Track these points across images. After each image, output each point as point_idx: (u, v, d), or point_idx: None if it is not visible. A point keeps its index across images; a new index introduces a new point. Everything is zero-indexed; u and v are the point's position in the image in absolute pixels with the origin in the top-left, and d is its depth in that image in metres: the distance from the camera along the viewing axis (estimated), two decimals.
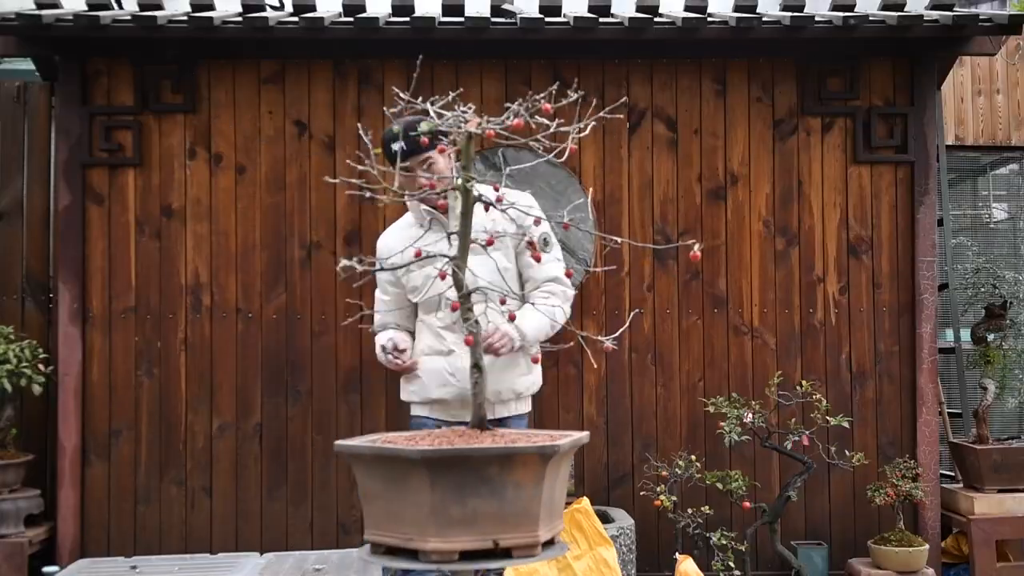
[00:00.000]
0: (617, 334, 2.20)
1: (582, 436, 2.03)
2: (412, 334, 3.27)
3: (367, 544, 1.98)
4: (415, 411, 3.25)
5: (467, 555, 1.85)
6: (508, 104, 2.04)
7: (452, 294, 2.88)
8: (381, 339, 3.20)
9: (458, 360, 3.07)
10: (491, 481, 1.84)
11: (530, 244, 2.88)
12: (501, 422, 3.12)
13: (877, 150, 4.82)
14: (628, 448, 4.72)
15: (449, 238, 2.78)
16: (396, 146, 2.88)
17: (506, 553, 1.88)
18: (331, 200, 4.69)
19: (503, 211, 2.22)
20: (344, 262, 2.05)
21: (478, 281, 2.88)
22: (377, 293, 3.33)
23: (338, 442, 1.98)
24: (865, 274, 4.81)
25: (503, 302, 2.66)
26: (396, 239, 3.19)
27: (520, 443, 1.93)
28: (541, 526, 1.92)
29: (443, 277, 2.20)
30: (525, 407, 3.25)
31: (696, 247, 2.11)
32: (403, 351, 3.12)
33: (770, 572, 4.60)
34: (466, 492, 1.83)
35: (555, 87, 2.18)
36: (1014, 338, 4.95)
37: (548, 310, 3.07)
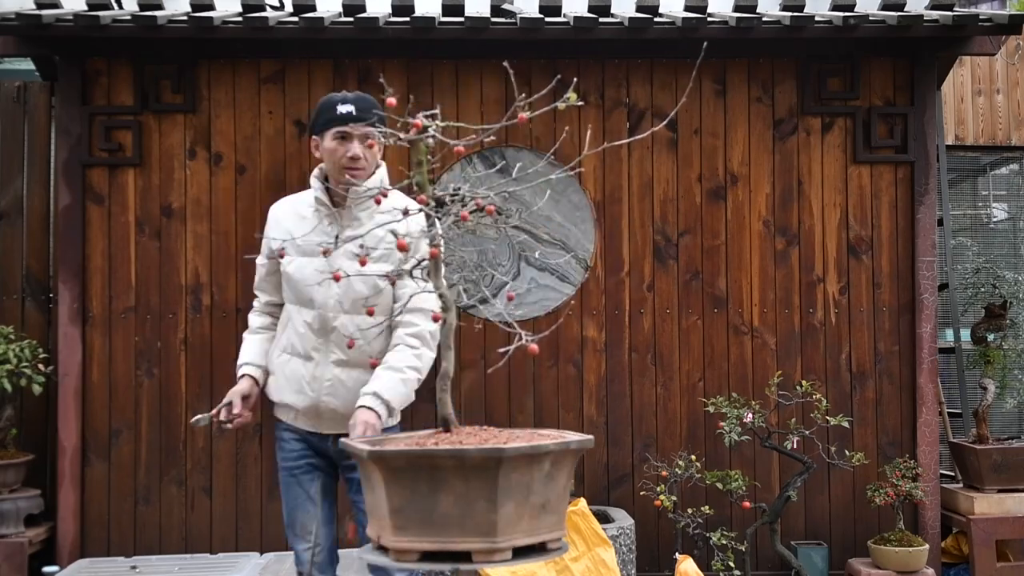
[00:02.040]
0: (537, 337, 2.04)
1: (589, 438, 2.03)
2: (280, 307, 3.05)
3: (389, 551, 1.94)
4: (277, 414, 3.07)
5: (518, 552, 1.87)
6: (514, 102, 2.00)
7: (320, 298, 2.83)
8: (240, 368, 3.00)
9: (315, 368, 2.89)
10: (545, 477, 1.87)
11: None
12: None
13: (877, 150, 4.82)
14: (628, 448, 4.72)
15: (337, 239, 2.74)
16: (345, 108, 2.78)
17: (543, 547, 1.92)
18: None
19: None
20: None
21: (351, 291, 2.81)
22: (259, 259, 3.06)
23: (372, 449, 1.95)
24: (865, 274, 4.81)
25: (371, 313, 2.54)
26: (288, 212, 2.98)
27: (564, 439, 1.95)
28: (564, 520, 1.99)
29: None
30: (394, 420, 2.94)
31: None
32: (237, 415, 2.88)
33: (770, 572, 4.60)
34: (532, 488, 1.85)
35: (555, 82, 2.14)
36: (1014, 338, 4.95)
37: (413, 364, 2.80)
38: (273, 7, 4.77)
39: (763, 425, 4.32)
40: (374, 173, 2.90)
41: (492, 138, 1.99)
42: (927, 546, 4.43)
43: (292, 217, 2.96)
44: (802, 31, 4.44)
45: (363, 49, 4.65)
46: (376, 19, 4.35)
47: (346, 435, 2.74)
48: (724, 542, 4.25)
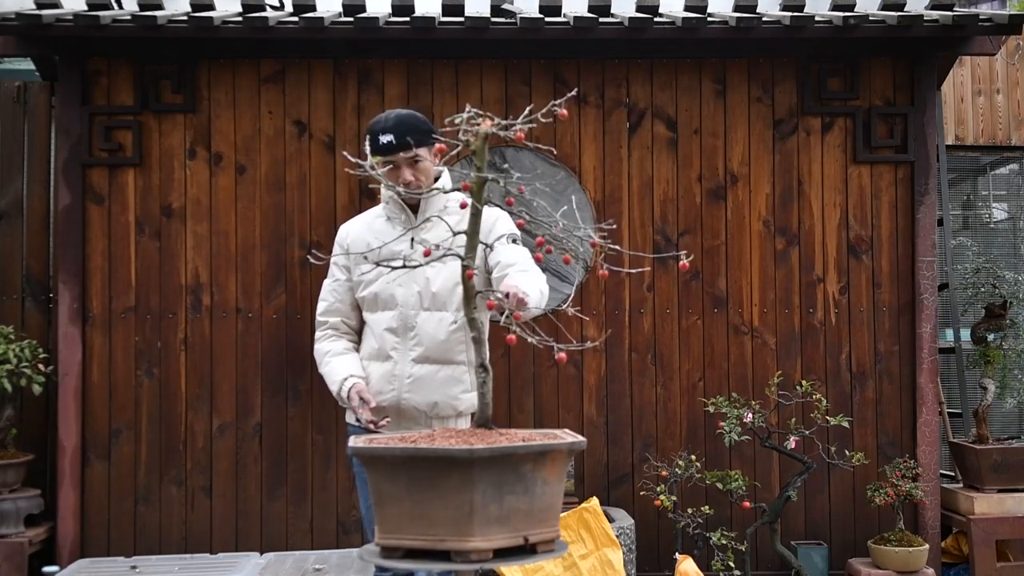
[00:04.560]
0: (568, 347, 2.12)
1: (583, 440, 2.03)
2: (358, 333, 3.11)
3: (377, 547, 1.96)
4: (349, 418, 3.08)
5: (500, 552, 1.87)
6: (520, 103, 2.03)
7: (401, 296, 2.93)
8: (343, 382, 2.97)
9: (396, 367, 2.96)
10: (525, 478, 1.87)
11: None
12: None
13: (877, 150, 4.82)
14: (628, 448, 4.72)
15: (412, 241, 2.89)
16: (385, 139, 2.88)
17: (532, 549, 1.91)
18: (331, 200, 4.69)
19: (517, 212, 2.21)
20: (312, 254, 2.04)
21: (431, 287, 2.93)
22: (327, 282, 3.14)
23: (355, 445, 1.97)
24: (865, 274, 4.81)
25: (469, 276, 2.37)
26: (362, 228, 3.09)
27: (547, 440, 1.94)
28: (559, 521, 1.98)
29: (470, 277, 2.15)
30: (464, 425, 3.00)
31: (685, 258, 2.13)
32: (367, 403, 2.89)
33: (770, 572, 4.60)
34: (504, 490, 1.85)
35: (573, 94, 2.17)
36: (1014, 338, 4.95)
37: (537, 279, 2.75)
38: (273, 7, 4.77)
39: (763, 425, 4.32)
40: (437, 178, 3.01)
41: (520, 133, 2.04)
42: (927, 546, 4.43)
43: (367, 232, 3.05)
44: (802, 31, 4.44)
45: (363, 49, 4.65)
46: (376, 19, 4.35)
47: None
48: (724, 542, 4.25)
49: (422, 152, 2.91)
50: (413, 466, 1.88)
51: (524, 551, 1.91)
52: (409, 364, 2.95)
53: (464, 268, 2.12)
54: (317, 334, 3.15)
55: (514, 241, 2.93)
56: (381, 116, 2.97)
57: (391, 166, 2.91)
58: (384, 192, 3.02)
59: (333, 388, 3.01)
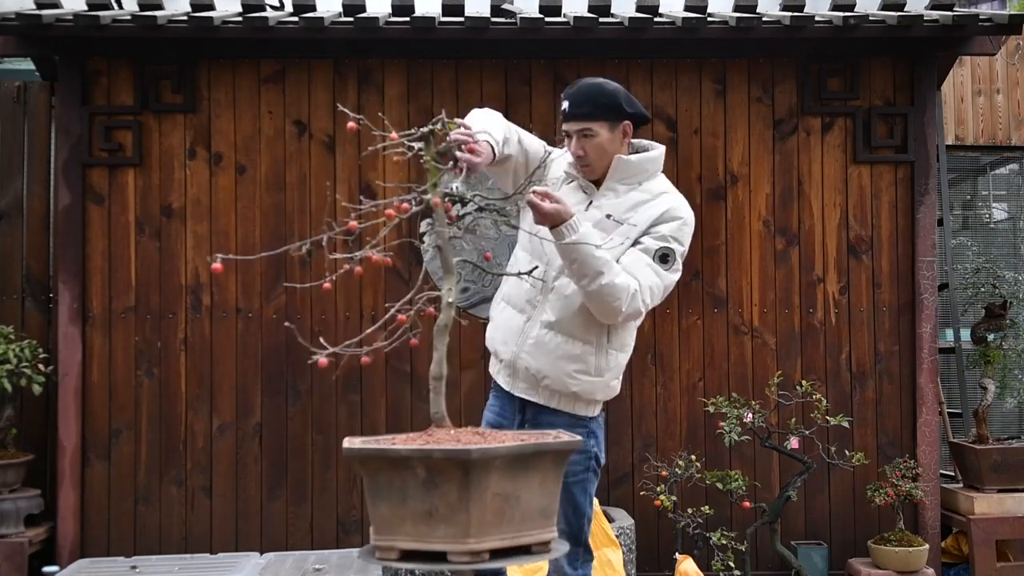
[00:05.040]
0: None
1: (578, 439, 2.02)
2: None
3: (374, 548, 1.96)
4: (490, 367, 2.95)
5: (497, 553, 1.87)
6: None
7: (550, 251, 2.66)
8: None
9: (526, 323, 2.76)
10: (522, 478, 1.87)
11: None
12: (540, 411, 2.77)
13: (877, 150, 4.82)
14: (628, 448, 4.72)
15: (590, 205, 2.74)
16: (564, 105, 2.74)
17: (528, 550, 1.91)
18: (331, 200, 4.69)
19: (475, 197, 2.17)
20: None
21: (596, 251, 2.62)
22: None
23: (352, 446, 1.97)
24: (865, 274, 4.81)
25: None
26: (559, 166, 2.87)
27: (542, 440, 1.94)
28: (553, 523, 1.97)
29: (436, 205, 2.09)
30: (585, 410, 2.82)
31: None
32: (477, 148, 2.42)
33: (770, 572, 4.60)
34: (501, 490, 1.84)
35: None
36: (1014, 338, 4.95)
37: (614, 271, 2.60)
38: (273, 7, 4.77)
39: (763, 425, 4.32)
40: (649, 151, 2.83)
41: None
42: (927, 546, 4.43)
43: (561, 168, 2.86)
44: (802, 31, 4.44)
45: (363, 49, 4.65)
46: (376, 19, 4.35)
47: (539, 407, 2.77)
48: (724, 542, 4.25)
49: (595, 127, 2.72)
50: (408, 467, 1.88)
51: (521, 552, 1.90)
52: (537, 325, 2.75)
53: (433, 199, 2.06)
54: None
55: (663, 257, 2.69)
56: (575, 81, 2.83)
57: (566, 135, 2.77)
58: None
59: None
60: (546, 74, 4.75)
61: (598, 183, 2.81)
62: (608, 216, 2.72)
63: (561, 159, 2.89)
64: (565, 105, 2.75)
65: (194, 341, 4.64)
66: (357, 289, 4.63)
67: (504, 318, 2.85)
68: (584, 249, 2.54)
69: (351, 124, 1.99)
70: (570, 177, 2.84)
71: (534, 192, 2.53)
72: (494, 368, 2.91)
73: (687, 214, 2.77)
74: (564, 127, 2.77)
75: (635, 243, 2.71)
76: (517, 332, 2.78)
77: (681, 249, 2.73)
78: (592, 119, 2.72)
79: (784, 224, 4.80)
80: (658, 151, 2.86)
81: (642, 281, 2.64)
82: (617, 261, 2.65)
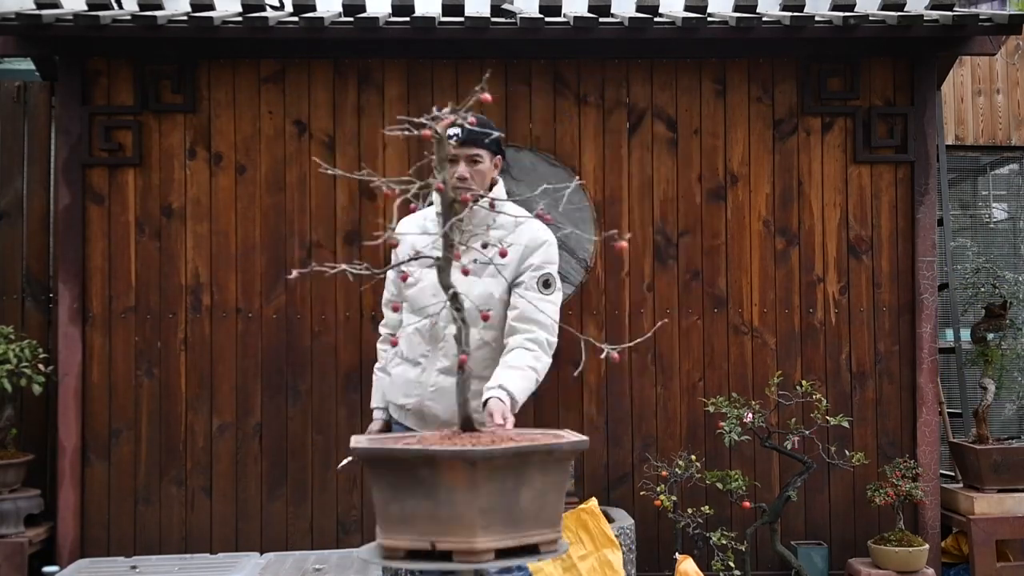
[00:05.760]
0: (632, 343, 2.20)
1: (583, 440, 2.03)
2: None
3: (379, 546, 1.96)
4: (392, 412, 3.17)
5: (502, 553, 1.88)
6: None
7: (433, 307, 2.87)
8: (373, 413, 3.21)
9: (422, 373, 2.99)
10: (527, 478, 1.88)
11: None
12: None
13: (877, 150, 4.82)
14: (628, 448, 4.72)
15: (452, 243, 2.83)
16: (452, 131, 2.79)
17: (534, 549, 1.92)
18: (331, 200, 4.69)
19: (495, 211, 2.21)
20: (341, 267, 2.05)
21: (464, 301, 2.86)
22: (389, 274, 3.14)
23: (358, 446, 1.97)
24: (865, 274, 4.81)
25: (485, 318, 2.64)
26: (411, 224, 3.07)
27: (550, 441, 1.95)
28: (558, 523, 1.98)
29: (404, 279, 2.18)
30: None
31: (622, 239, 2.15)
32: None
33: (770, 572, 4.60)
34: (506, 490, 1.85)
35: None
36: (1014, 338, 4.95)
37: (532, 364, 2.85)
38: (273, 7, 4.77)
39: (763, 425, 4.32)
40: (491, 188, 3.00)
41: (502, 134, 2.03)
42: (927, 546, 4.43)
43: (416, 231, 3.01)
44: (802, 31, 4.44)
45: (363, 49, 4.65)
46: (376, 19, 4.35)
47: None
48: (724, 542, 4.25)
49: (484, 154, 2.94)
50: (414, 466, 1.88)
51: (526, 551, 1.91)
52: (435, 373, 2.97)
53: (437, 265, 2.13)
54: (380, 328, 3.26)
55: (546, 283, 2.94)
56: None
57: (453, 160, 2.89)
58: (436, 195, 2.93)
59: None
60: (546, 74, 4.75)
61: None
62: (474, 261, 2.76)
63: (412, 223, 3.06)
64: (455, 131, 2.81)
65: (194, 341, 4.64)
66: (357, 289, 4.63)
67: (400, 372, 3.06)
68: (523, 395, 2.77)
69: (426, 132, 2.03)
70: (423, 230, 2.99)
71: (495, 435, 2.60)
72: (398, 415, 3.10)
73: (547, 235, 2.97)
74: (452, 153, 2.85)
75: (515, 283, 2.92)
76: (414, 383, 3.01)
77: (555, 267, 2.98)
78: (482, 147, 2.92)
79: (784, 224, 4.80)
80: (500, 184, 3.05)
81: (543, 322, 2.90)
82: (503, 294, 2.92)
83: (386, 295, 3.22)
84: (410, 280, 3.00)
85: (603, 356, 2.12)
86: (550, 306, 2.94)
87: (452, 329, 2.76)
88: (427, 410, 2.99)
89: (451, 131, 2.78)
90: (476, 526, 1.87)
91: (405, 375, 3.04)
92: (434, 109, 2.06)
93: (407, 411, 3.05)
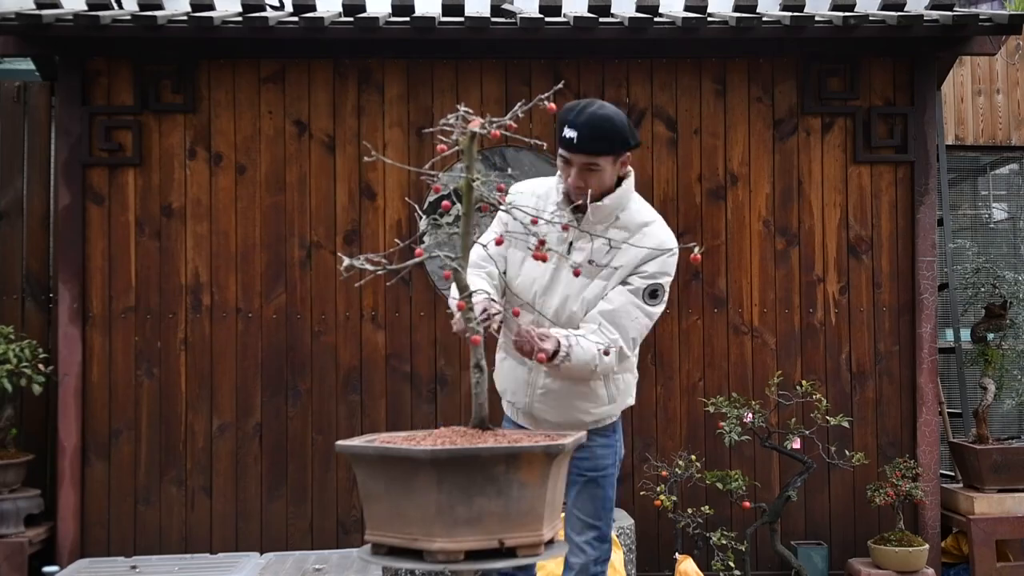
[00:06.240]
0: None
1: (581, 435, 2.03)
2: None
3: (368, 544, 1.98)
4: (503, 404, 2.96)
5: (473, 555, 1.85)
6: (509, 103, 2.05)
7: (540, 304, 2.67)
8: (474, 297, 2.36)
9: (529, 373, 2.78)
10: (497, 480, 1.85)
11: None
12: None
13: (877, 150, 4.82)
14: (628, 448, 4.70)
15: (570, 247, 2.67)
16: (570, 133, 2.61)
17: (511, 552, 1.88)
18: (331, 200, 4.69)
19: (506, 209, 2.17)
20: (346, 260, 2.01)
21: (570, 305, 2.68)
22: (490, 234, 2.78)
23: (340, 443, 1.99)
24: (865, 274, 4.81)
25: (460, 308, 2.24)
26: (533, 202, 2.76)
27: (524, 442, 1.93)
28: (545, 525, 1.93)
29: (447, 277, 2.15)
30: (608, 422, 2.89)
31: (697, 250, 2.12)
32: (488, 320, 2.44)
33: (770, 572, 4.60)
34: (472, 492, 1.83)
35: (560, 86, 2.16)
36: (1014, 338, 4.95)
37: (602, 345, 2.63)
38: (273, 7, 4.77)
39: (763, 425, 4.32)
40: (617, 188, 2.73)
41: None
42: (927, 546, 4.43)
43: (536, 203, 2.76)
44: (802, 31, 4.44)
45: (363, 49, 4.65)
46: (376, 19, 4.35)
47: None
48: (724, 542, 4.25)
49: (602, 162, 2.64)
50: (386, 465, 1.89)
51: (499, 554, 1.88)
52: (542, 374, 2.75)
53: (445, 268, 2.11)
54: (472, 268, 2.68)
55: (653, 294, 2.69)
56: (577, 105, 2.67)
57: (564, 161, 2.67)
58: (559, 179, 2.77)
59: (457, 308, 2.45)
60: (546, 74, 4.75)
61: (577, 210, 2.71)
62: (590, 262, 2.63)
63: (531, 193, 2.81)
64: (572, 134, 2.61)
65: (194, 341, 4.64)
66: (357, 289, 4.63)
67: (507, 368, 2.87)
68: (576, 366, 2.59)
69: (441, 147, 2.01)
70: (553, 212, 2.73)
71: (517, 337, 2.52)
72: (510, 411, 2.93)
73: (672, 244, 2.74)
74: (566, 155, 2.65)
75: (623, 282, 2.69)
76: (524, 383, 2.81)
77: (669, 280, 2.74)
78: (600, 155, 2.63)
79: (784, 224, 4.80)
80: (629, 180, 2.77)
81: (628, 329, 2.68)
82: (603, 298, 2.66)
83: (482, 255, 2.73)
84: (511, 273, 2.76)
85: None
86: (646, 320, 2.71)
87: (556, 331, 2.58)
88: (536, 413, 2.82)
89: (567, 133, 2.61)
90: (543, 519, 1.89)
91: (514, 373, 2.83)
92: (460, 108, 2.04)
93: (518, 411, 2.87)
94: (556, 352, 2.53)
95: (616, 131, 2.63)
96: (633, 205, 2.75)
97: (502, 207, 2.27)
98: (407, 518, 1.86)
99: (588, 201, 2.59)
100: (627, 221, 2.72)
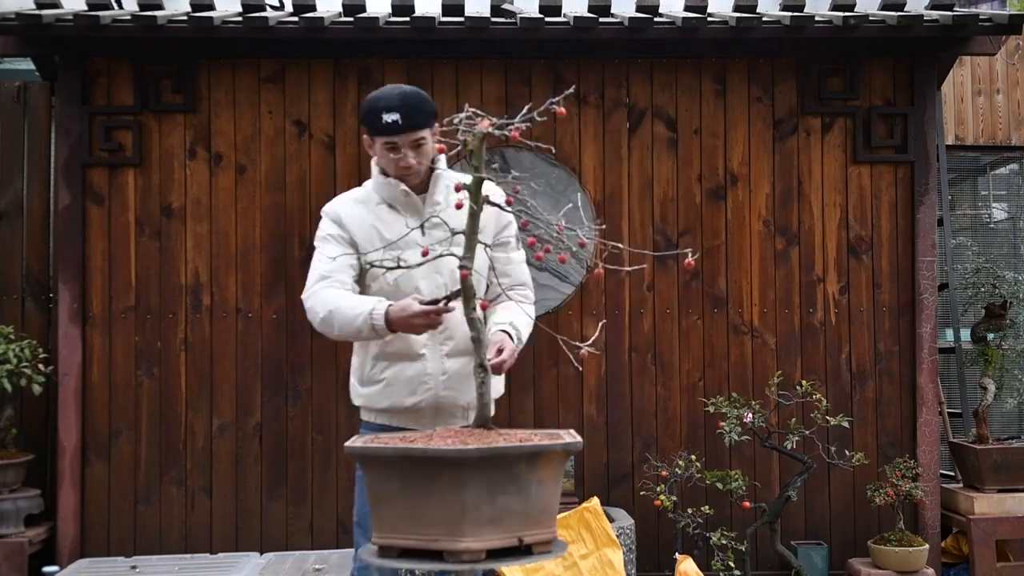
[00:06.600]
0: (589, 341, 2.23)
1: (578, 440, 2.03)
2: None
3: (374, 547, 1.97)
4: (370, 418, 2.88)
5: (492, 553, 1.87)
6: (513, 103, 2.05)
7: (426, 289, 2.71)
8: (373, 309, 2.60)
9: (429, 364, 2.76)
10: (519, 479, 1.87)
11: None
12: None
13: (877, 150, 4.82)
14: (628, 448, 4.71)
15: (423, 227, 2.69)
16: (390, 118, 2.65)
17: (528, 550, 1.91)
18: (331, 200, 4.68)
19: (517, 212, 2.19)
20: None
21: (455, 275, 2.55)
22: (324, 250, 2.81)
23: (349, 444, 1.98)
24: (865, 274, 4.81)
25: (484, 307, 2.39)
26: (364, 214, 2.82)
27: (544, 441, 1.94)
28: (555, 523, 1.98)
29: (464, 278, 2.14)
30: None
31: (691, 256, 2.14)
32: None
33: (770, 572, 4.60)
34: (496, 491, 1.85)
35: (570, 91, 2.17)
36: (1014, 338, 4.95)
37: (529, 312, 2.80)
38: (273, 7, 4.77)
39: (763, 425, 4.32)
40: (434, 160, 2.78)
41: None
42: (927, 546, 4.43)
43: (373, 219, 2.81)
44: (802, 31, 4.44)
45: (363, 49, 4.65)
46: (376, 19, 4.35)
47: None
48: (724, 542, 4.25)
49: (426, 134, 2.71)
50: (406, 466, 1.88)
51: (519, 552, 1.90)
52: (442, 360, 2.76)
53: (460, 269, 2.12)
54: (313, 290, 2.77)
55: (518, 239, 2.88)
56: (382, 92, 2.73)
57: (391, 148, 2.70)
58: (379, 177, 2.81)
59: (359, 319, 2.62)
60: (546, 74, 4.75)
61: (416, 189, 2.78)
62: (453, 232, 2.48)
63: (353, 202, 2.89)
64: (394, 117, 2.64)
65: (194, 341, 4.64)
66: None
67: (392, 375, 2.79)
68: (526, 335, 2.73)
69: (440, 147, 2.03)
70: (389, 202, 2.81)
71: (507, 358, 2.59)
72: (399, 420, 2.82)
73: (501, 190, 2.63)
74: (393, 140, 2.68)
75: (497, 243, 2.80)
76: (422, 377, 2.77)
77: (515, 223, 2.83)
78: (425, 127, 2.71)
79: (784, 224, 4.80)
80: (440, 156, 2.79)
81: (527, 281, 2.89)
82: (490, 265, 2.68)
83: (323, 270, 2.78)
84: (390, 276, 2.74)
85: (582, 352, 2.14)
86: (526, 266, 2.90)
87: (454, 304, 2.51)
88: (442, 401, 2.78)
89: (388, 117, 2.65)
90: (555, 516, 1.92)
91: (402, 375, 2.78)
92: (466, 107, 2.05)
93: (416, 411, 2.79)
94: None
95: (429, 101, 2.75)
96: (456, 177, 2.73)
97: (508, 209, 2.29)
98: (425, 519, 1.86)
99: (413, 178, 2.73)
100: (450, 180, 2.78)
